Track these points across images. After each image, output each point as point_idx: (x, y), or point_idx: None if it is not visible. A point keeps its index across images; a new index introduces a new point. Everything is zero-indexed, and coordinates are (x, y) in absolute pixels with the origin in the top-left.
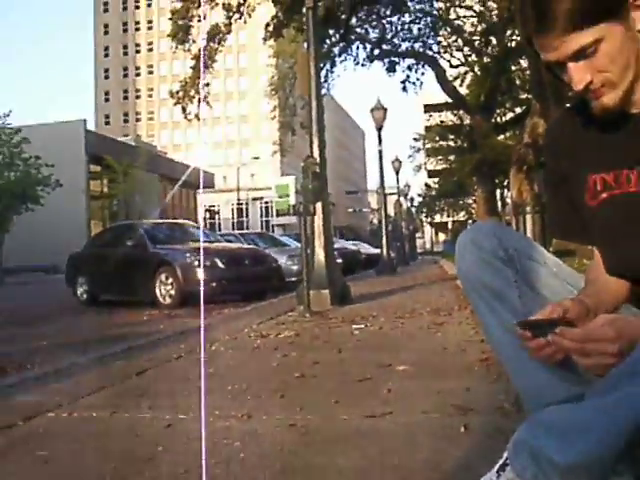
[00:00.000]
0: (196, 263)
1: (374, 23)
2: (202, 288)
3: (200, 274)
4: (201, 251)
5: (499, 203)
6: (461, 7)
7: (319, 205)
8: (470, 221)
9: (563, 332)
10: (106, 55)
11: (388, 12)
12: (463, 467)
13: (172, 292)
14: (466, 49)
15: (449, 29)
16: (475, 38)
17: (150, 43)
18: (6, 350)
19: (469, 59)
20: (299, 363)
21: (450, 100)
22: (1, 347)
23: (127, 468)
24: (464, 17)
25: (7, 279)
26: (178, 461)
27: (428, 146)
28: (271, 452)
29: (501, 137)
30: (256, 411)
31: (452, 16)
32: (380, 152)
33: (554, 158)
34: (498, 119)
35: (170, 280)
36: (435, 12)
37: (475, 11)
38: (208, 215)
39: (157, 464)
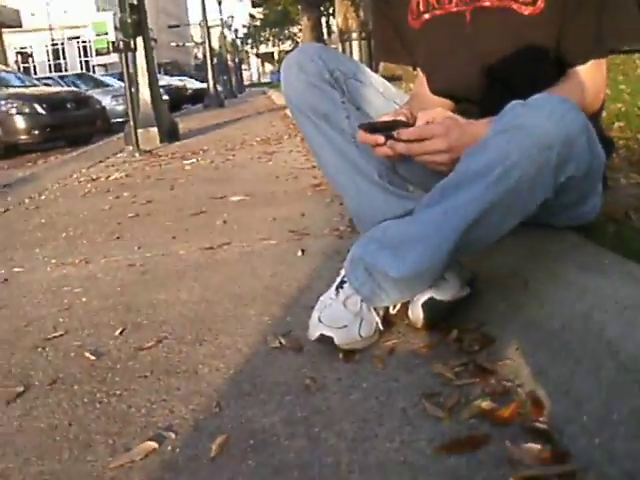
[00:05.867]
0: (14, 111)
1: None
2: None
3: (20, 122)
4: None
5: (325, 31)
6: None
7: (140, 40)
8: None
9: (401, 132)
10: None
11: None
12: (304, 288)
13: None
14: None
15: None
16: None
17: None
18: None
19: None
20: (132, 203)
21: None
22: None
23: None
24: None
25: None
26: (16, 313)
27: None
28: (113, 293)
29: None
30: (94, 255)
31: None
32: None
33: None
34: None
35: None
36: None
37: None
38: (20, 58)
39: None
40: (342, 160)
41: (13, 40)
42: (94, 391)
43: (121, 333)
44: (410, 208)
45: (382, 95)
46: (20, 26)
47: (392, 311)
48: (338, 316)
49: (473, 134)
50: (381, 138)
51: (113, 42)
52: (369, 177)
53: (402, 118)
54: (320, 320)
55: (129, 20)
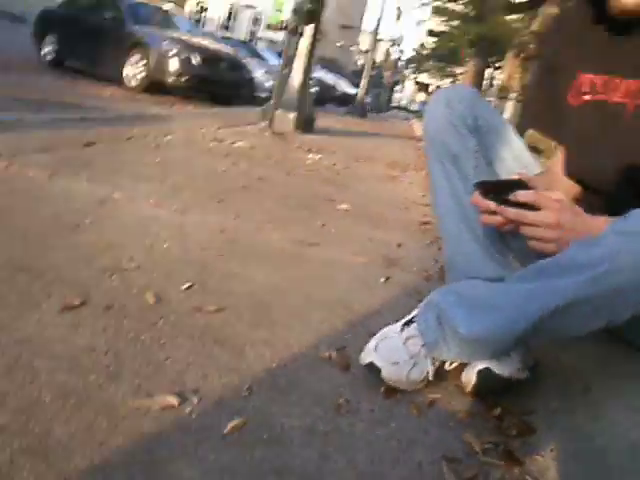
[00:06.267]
0: (171, 53)
1: None
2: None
3: (173, 65)
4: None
5: (486, 82)
6: None
7: (309, 28)
8: None
9: (517, 194)
10: None
11: None
12: (373, 313)
13: (140, 76)
14: None
15: None
16: None
17: None
18: None
19: None
20: (246, 175)
21: None
22: None
23: (51, 231)
24: None
25: None
26: (101, 234)
27: (436, 4)
28: (194, 250)
29: (512, 17)
30: (191, 208)
31: None
32: None
33: (552, 46)
34: None
35: (141, 63)
36: None
37: None
38: (196, 8)
39: (81, 234)
40: (456, 205)
41: None
42: (142, 330)
43: (188, 288)
44: (502, 275)
45: (516, 158)
46: None
47: (447, 367)
48: (394, 351)
49: (587, 225)
50: (492, 204)
51: (284, 21)
52: (475, 232)
53: (519, 177)
54: (376, 349)
55: (306, 7)
